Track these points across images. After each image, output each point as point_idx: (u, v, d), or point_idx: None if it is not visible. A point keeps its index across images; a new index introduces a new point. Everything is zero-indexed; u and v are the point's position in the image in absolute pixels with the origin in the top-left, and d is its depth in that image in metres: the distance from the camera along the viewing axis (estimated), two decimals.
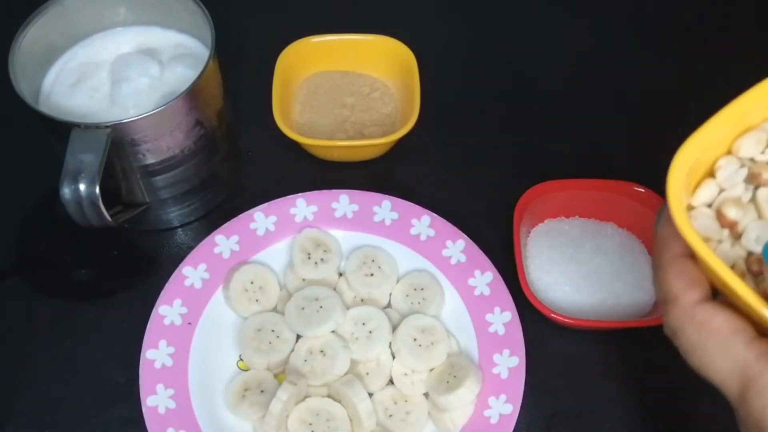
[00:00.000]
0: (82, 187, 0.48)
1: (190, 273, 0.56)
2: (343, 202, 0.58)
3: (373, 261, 0.56)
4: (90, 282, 0.60)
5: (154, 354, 0.53)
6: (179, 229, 0.61)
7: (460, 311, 0.55)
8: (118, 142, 0.50)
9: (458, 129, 0.67)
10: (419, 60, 0.65)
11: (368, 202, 0.58)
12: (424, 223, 0.57)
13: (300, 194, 0.58)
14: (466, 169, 0.65)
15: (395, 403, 0.52)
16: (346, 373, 0.52)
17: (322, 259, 0.56)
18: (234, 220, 0.58)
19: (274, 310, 0.56)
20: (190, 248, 0.57)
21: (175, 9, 0.57)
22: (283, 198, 0.58)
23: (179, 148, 0.54)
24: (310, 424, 0.50)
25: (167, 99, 0.52)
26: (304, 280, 0.56)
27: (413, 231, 0.57)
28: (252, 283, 0.56)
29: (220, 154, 0.59)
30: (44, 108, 0.54)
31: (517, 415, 0.50)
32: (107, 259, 0.60)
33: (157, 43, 0.59)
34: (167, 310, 0.54)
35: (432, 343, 0.53)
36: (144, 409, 0.51)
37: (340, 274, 0.57)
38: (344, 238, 0.58)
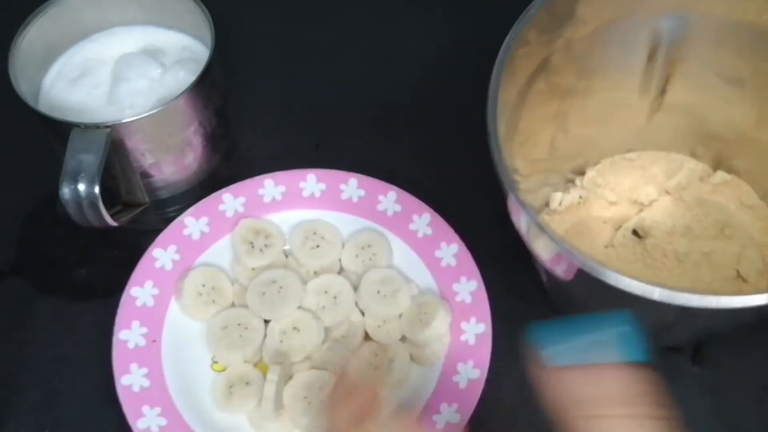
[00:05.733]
0: (81, 187, 0.48)
1: (139, 293, 0.55)
2: (269, 187, 0.59)
3: (314, 233, 0.57)
4: (90, 282, 0.60)
5: (129, 379, 0.52)
6: None
7: (409, 255, 0.57)
8: (117, 142, 0.51)
9: None
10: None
11: (293, 180, 0.59)
12: (351, 185, 0.59)
13: (224, 189, 0.59)
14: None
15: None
16: (324, 342, 0.54)
17: (265, 245, 0.57)
18: (166, 230, 0.57)
19: (232, 305, 0.56)
20: None
21: (176, 9, 0.57)
22: (208, 197, 0.58)
23: (179, 148, 0.54)
24: (305, 397, 0.51)
25: (165, 102, 0.52)
26: (253, 269, 0.57)
27: (343, 196, 0.59)
28: (203, 285, 0.56)
29: (220, 154, 0.59)
30: (44, 102, 0.55)
31: (490, 331, 0.53)
32: (107, 259, 0.60)
33: (164, 44, 0.59)
34: (128, 334, 0.53)
35: (395, 291, 0.55)
36: None
37: (287, 256, 0.58)
38: (280, 219, 0.59)
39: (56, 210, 0.50)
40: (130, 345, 0.53)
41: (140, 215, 0.58)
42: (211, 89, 0.56)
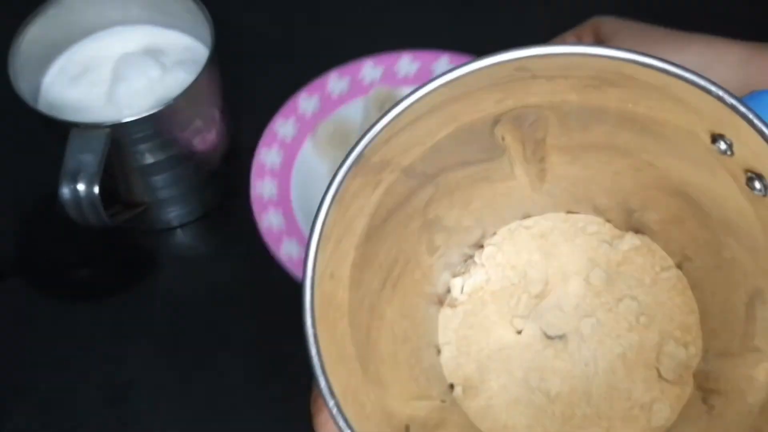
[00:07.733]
0: (80, 187, 0.48)
1: (281, 127, 0.61)
2: (405, 61, 0.64)
3: None
4: (90, 282, 0.61)
5: (261, 187, 0.58)
6: (178, 229, 0.62)
7: None
8: (117, 141, 0.51)
9: None
10: None
11: (427, 60, 0.64)
12: None
13: (367, 57, 0.64)
14: None
15: None
16: None
17: None
18: (311, 83, 0.63)
19: None
20: (190, 248, 0.60)
21: (176, 9, 0.57)
22: (352, 62, 0.64)
23: (178, 148, 0.55)
24: None
25: (163, 102, 0.52)
26: None
27: None
28: (335, 131, 0.61)
29: (220, 154, 0.59)
30: (43, 100, 0.55)
31: None
32: (107, 259, 0.61)
33: (166, 44, 0.59)
34: (267, 154, 0.60)
35: None
36: (261, 231, 0.56)
37: None
38: None
39: (56, 210, 0.50)
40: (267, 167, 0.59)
41: (140, 215, 0.58)
42: (211, 89, 0.56)
